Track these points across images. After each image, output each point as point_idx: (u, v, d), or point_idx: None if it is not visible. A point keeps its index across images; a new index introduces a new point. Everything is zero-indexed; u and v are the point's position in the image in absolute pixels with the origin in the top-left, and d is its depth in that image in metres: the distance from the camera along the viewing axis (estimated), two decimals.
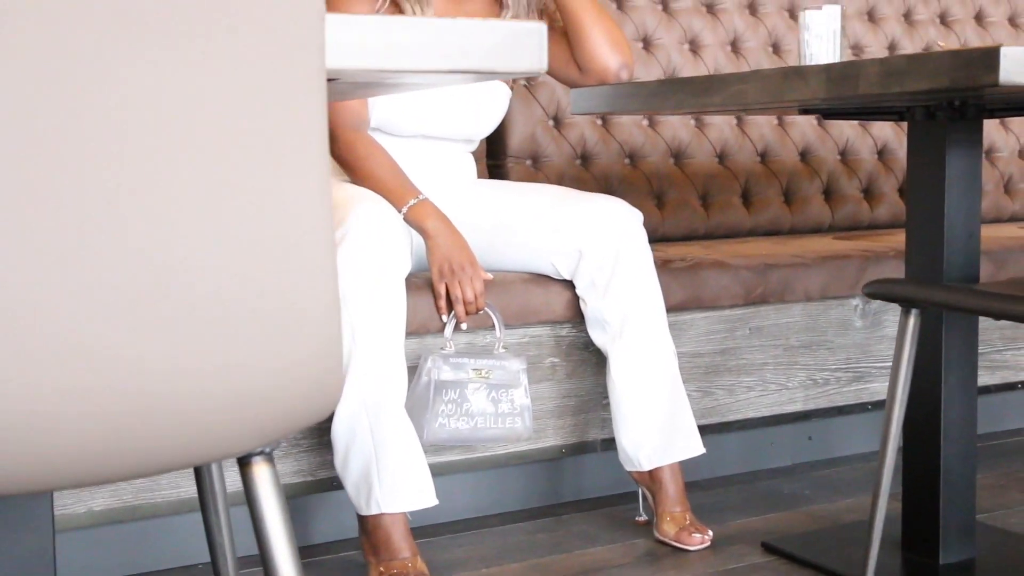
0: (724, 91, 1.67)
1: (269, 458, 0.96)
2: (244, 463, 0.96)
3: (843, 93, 1.49)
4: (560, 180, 2.76)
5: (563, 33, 2.26)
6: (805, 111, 2.03)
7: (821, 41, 1.84)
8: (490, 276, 2.10)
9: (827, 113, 2.03)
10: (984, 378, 2.75)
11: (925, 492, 1.96)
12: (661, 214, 2.89)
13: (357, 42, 0.91)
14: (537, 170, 2.75)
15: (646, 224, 2.84)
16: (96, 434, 0.85)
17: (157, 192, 0.81)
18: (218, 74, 0.81)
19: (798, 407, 2.55)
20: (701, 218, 2.95)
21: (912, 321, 1.73)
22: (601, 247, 2.12)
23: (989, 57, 1.29)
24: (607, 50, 2.20)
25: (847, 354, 2.58)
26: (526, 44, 0.99)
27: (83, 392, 0.83)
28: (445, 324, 2.06)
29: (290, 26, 0.81)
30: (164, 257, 0.83)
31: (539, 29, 1.00)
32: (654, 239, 2.86)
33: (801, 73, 1.57)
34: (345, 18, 0.91)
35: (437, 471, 2.11)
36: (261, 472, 0.96)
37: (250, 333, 0.88)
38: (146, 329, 0.83)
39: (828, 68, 1.53)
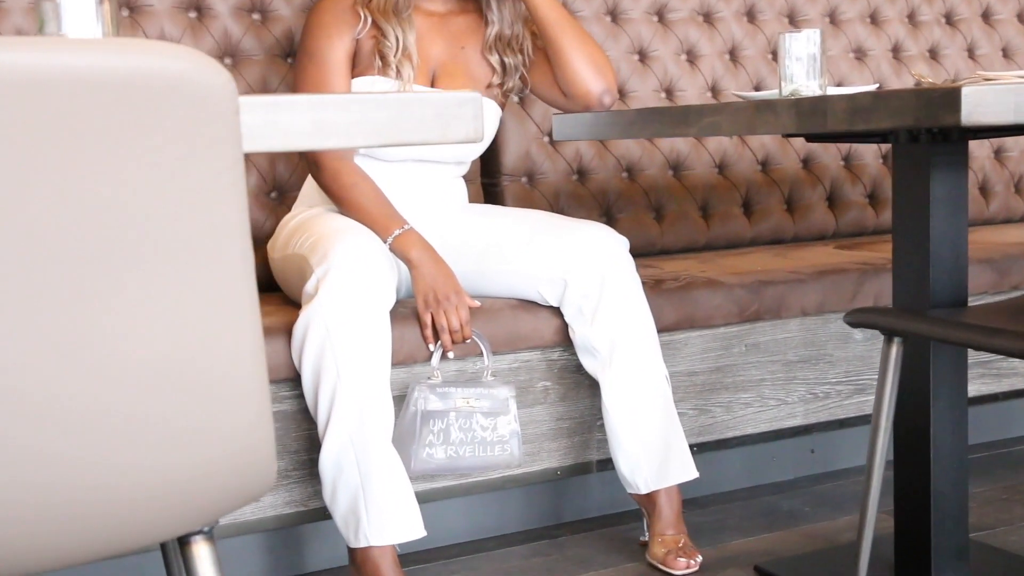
0: (698, 123, 1.66)
1: (209, 537, 0.97)
2: (184, 543, 0.96)
3: (812, 128, 1.48)
4: (556, 197, 2.74)
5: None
6: (788, 135, 2.01)
7: (801, 65, 1.82)
8: (477, 303, 2.09)
9: (810, 137, 2.01)
10: (991, 385, 2.72)
11: (916, 514, 1.94)
12: (660, 227, 2.87)
13: (283, 123, 0.91)
14: (533, 188, 2.74)
15: (645, 238, 2.84)
16: (36, 524, 0.86)
17: (85, 290, 0.81)
18: (136, 170, 0.81)
19: (798, 421, 2.52)
20: (701, 230, 2.93)
21: (895, 350, 1.71)
22: (586, 275, 2.11)
23: (951, 98, 1.28)
24: (589, 75, 2.19)
25: (847, 367, 2.55)
26: (460, 114, 0.98)
27: (20, 483, 0.83)
28: (432, 353, 2.05)
29: (202, 122, 0.81)
30: (96, 350, 0.83)
31: (474, 99, 1.00)
32: (653, 253, 2.85)
33: (772, 107, 1.55)
34: (269, 100, 0.91)
35: (431, 496, 2.11)
36: (201, 551, 0.96)
37: (180, 417, 0.89)
38: (81, 416, 0.84)
39: (798, 103, 1.52)
